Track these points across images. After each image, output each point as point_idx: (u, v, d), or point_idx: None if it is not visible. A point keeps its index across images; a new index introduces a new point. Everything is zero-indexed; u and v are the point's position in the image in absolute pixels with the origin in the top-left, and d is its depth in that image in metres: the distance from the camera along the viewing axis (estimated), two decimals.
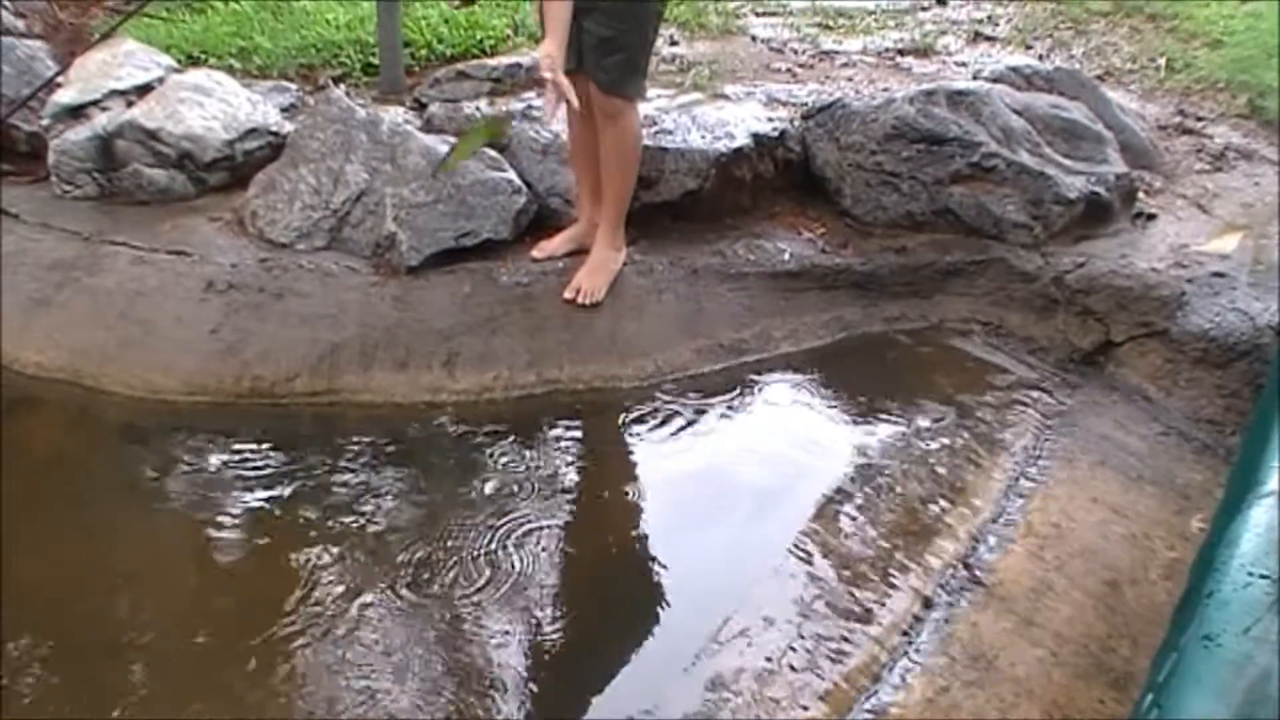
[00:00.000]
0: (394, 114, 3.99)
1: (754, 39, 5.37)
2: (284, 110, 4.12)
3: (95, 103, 3.83)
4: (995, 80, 4.41)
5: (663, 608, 2.44)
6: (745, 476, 2.92)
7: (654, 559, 2.60)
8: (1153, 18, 5.89)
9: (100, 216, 3.66)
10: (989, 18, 5.89)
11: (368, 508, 2.69)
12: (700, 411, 3.14)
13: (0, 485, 2.70)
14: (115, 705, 2.11)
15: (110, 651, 2.25)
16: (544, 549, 2.59)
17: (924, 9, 6.03)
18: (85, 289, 3.38)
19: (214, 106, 3.85)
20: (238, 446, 2.91)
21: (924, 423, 3.11)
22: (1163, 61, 5.29)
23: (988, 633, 2.33)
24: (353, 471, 2.82)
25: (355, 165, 3.59)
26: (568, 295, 3.37)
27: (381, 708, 2.11)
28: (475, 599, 2.40)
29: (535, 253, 3.54)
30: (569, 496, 2.80)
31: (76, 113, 3.80)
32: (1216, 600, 0.82)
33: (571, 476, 2.89)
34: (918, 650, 2.28)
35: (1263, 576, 0.82)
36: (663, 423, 3.08)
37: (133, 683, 2.18)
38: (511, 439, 2.98)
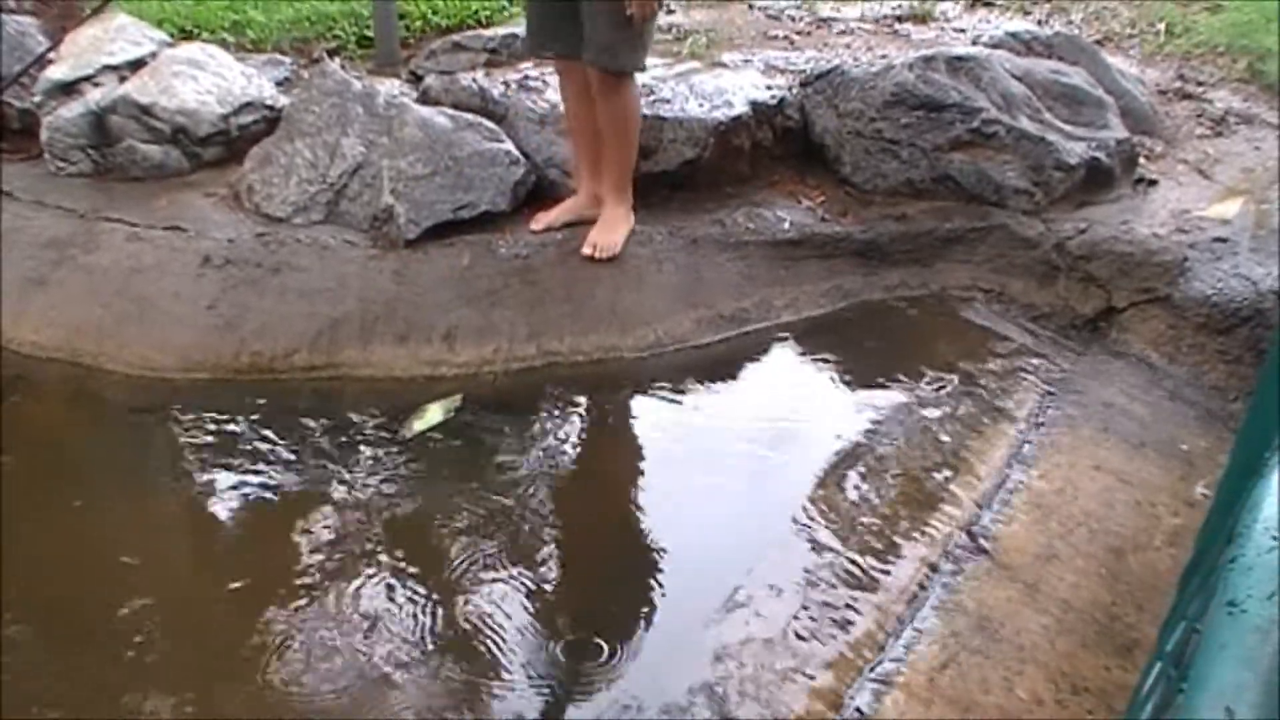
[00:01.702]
0: (390, 86, 3.96)
1: (751, 6, 5.33)
2: (279, 84, 4.10)
3: (88, 78, 3.80)
4: (994, 46, 4.38)
5: (666, 578, 2.44)
6: (747, 447, 2.91)
7: (658, 530, 2.59)
8: None
9: (95, 193, 3.64)
10: None
11: (369, 480, 2.68)
12: (702, 382, 3.13)
13: None
14: (115, 685, 2.10)
15: (107, 628, 2.24)
16: (547, 521, 2.58)
17: None
18: (81, 267, 3.36)
19: (208, 81, 3.82)
20: (236, 423, 2.90)
21: (926, 391, 3.10)
22: (1162, 26, 5.26)
23: (992, 600, 2.33)
24: (354, 445, 2.81)
25: (352, 138, 3.56)
26: (585, 251, 3.37)
27: (386, 673, 2.11)
28: (478, 570, 2.40)
29: (534, 225, 3.52)
30: (572, 468, 2.80)
31: (69, 89, 3.77)
32: (1240, 566, 0.81)
33: (573, 448, 2.88)
34: (923, 618, 2.28)
35: None
36: (664, 393, 3.08)
37: (129, 661, 2.17)
38: (512, 411, 2.97)
